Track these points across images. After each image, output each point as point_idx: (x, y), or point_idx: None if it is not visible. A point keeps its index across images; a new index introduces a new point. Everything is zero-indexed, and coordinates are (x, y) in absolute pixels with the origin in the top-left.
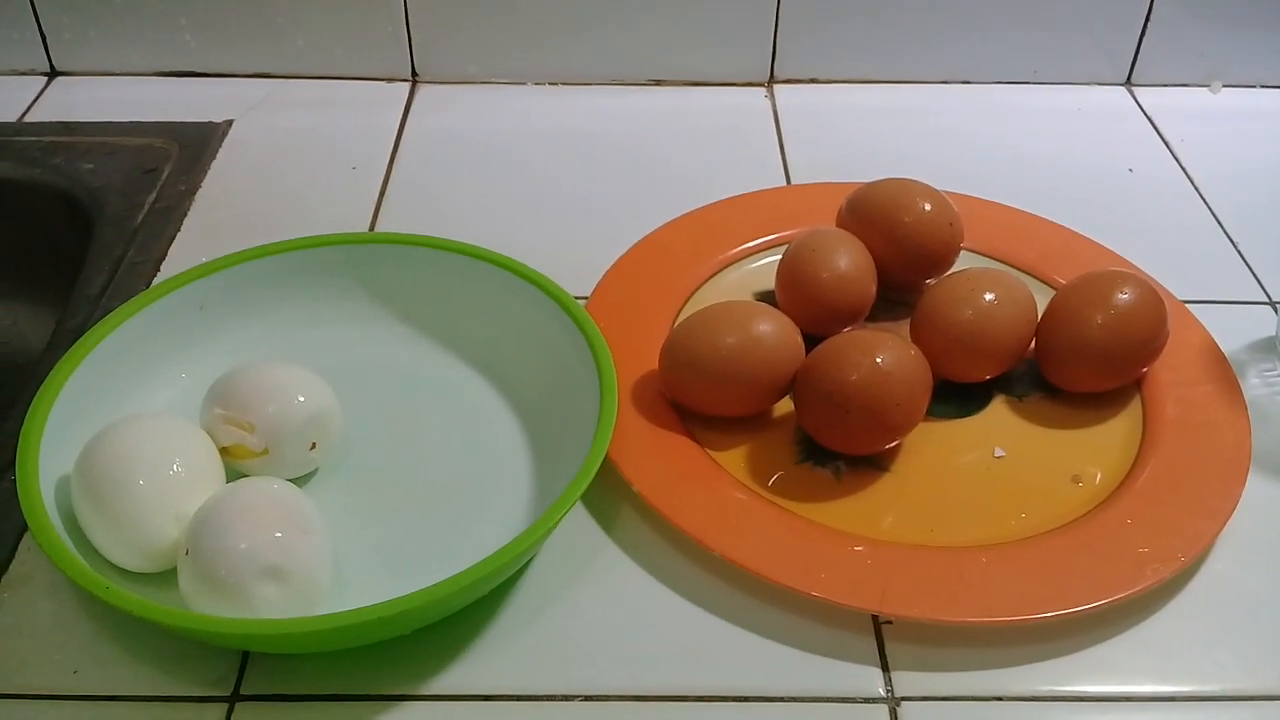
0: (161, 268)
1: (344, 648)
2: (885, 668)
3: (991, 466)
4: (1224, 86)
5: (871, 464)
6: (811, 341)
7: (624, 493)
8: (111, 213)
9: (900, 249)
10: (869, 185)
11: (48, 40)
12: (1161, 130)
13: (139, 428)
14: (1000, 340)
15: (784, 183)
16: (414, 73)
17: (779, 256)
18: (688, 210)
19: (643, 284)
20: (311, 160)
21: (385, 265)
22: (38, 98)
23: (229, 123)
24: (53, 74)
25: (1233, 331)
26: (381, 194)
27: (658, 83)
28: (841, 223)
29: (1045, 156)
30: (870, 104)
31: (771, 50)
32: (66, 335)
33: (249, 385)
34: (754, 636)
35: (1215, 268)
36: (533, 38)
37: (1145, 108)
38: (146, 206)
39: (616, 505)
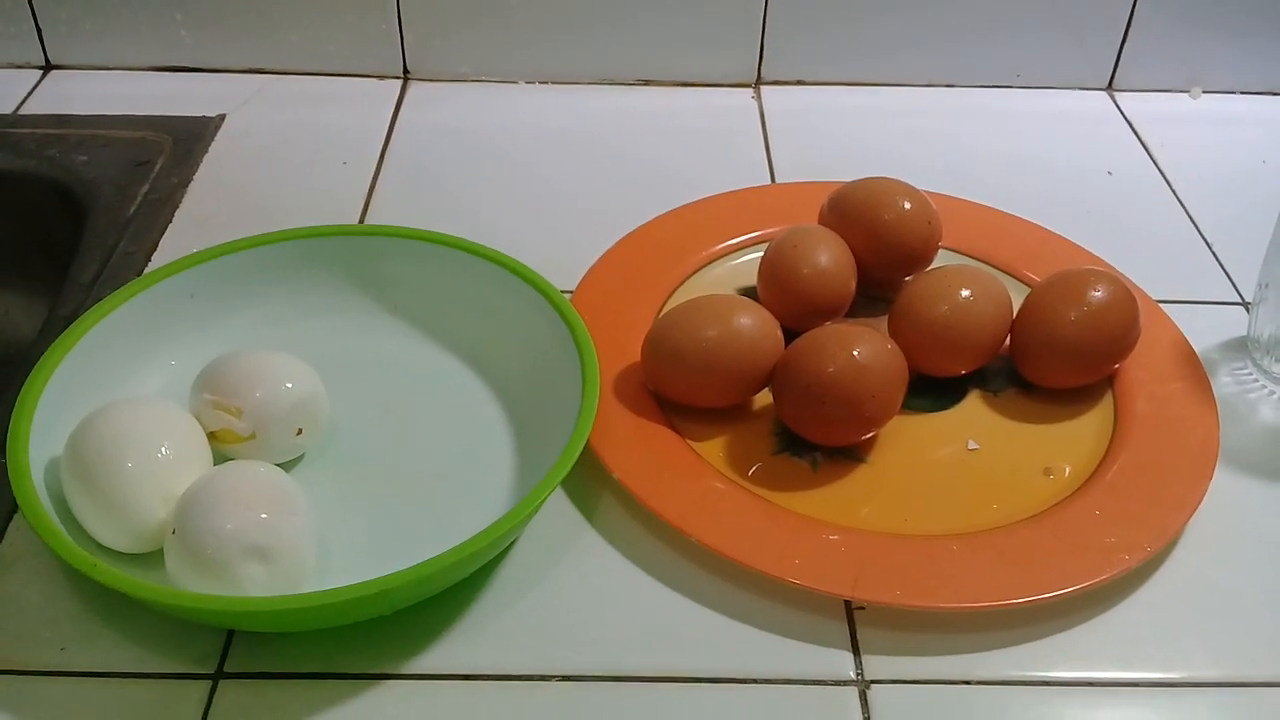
0: (153, 258)
1: (327, 626)
2: (856, 651)
3: (966, 459)
4: (1204, 93)
5: (848, 455)
6: (792, 336)
7: (605, 481)
8: (104, 204)
9: (880, 246)
10: (851, 184)
11: (43, 34)
12: (1141, 135)
13: (129, 411)
14: (975, 336)
15: (769, 181)
16: (406, 70)
17: (762, 253)
18: (674, 207)
19: (627, 278)
20: (303, 155)
21: (374, 257)
22: (33, 90)
23: (222, 117)
24: (48, 67)
25: (1205, 331)
26: (371, 188)
27: (647, 83)
28: (823, 220)
29: (1026, 159)
30: (855, 106)
31: (759, 52)
32: (58, 323)
33: (237, 371)
34: (729, 620)
35: (1190, 269)
36: (524, 37)
37: (1126, 113)
38: (139, 198)
39: (597, 493)
